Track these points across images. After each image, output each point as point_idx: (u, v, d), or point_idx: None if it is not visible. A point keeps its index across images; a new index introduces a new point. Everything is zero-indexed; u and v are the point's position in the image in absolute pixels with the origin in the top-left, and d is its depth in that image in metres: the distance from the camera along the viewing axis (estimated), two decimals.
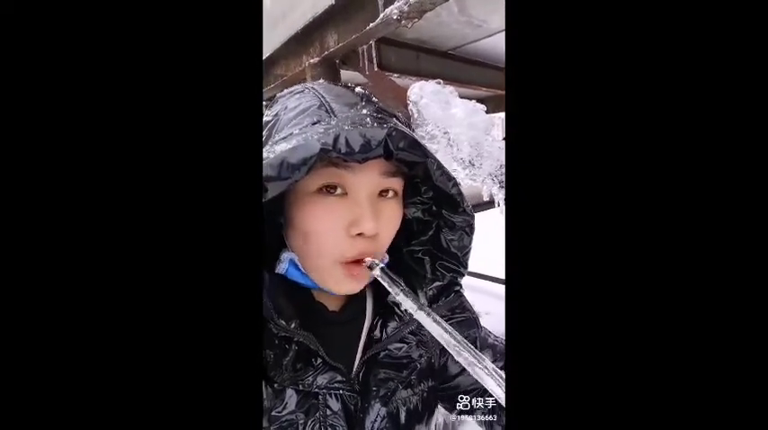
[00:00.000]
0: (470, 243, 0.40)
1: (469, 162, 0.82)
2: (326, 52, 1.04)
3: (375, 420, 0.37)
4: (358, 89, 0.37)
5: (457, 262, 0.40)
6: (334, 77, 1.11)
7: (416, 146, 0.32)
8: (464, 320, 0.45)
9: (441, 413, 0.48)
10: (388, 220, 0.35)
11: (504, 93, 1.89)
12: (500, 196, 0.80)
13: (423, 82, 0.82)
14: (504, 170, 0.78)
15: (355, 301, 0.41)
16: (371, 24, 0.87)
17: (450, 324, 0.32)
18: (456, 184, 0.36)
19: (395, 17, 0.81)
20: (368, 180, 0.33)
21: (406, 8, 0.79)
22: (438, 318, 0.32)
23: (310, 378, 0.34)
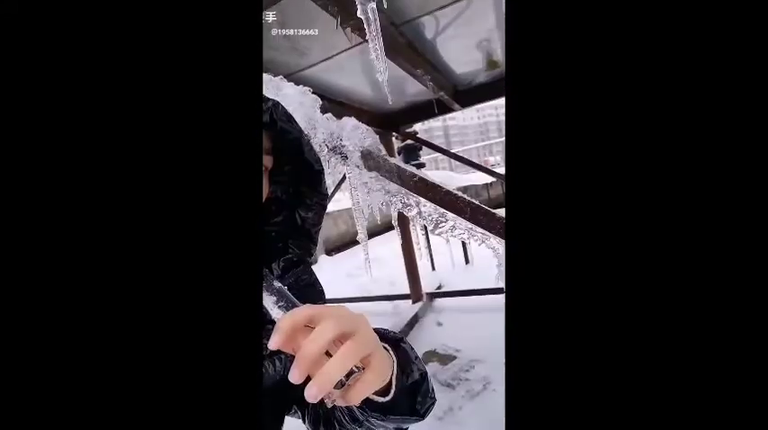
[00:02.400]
0: (321, 221, 0.44)
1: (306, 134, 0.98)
2: None
3: None
4: None
5: (309, 238, 0.44)
6: None
7: (293, 121, 0.38)
8: (309, 292, 0.46)
9: None
10: None
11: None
12: (332, 161, 0.98)
13: None
14: (333, 137, 0.97)
15: None
16: None
17: (293, 292, 0.34)
18: (320, 163, 0.42)
19: None
20: None
21: None
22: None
23: None
